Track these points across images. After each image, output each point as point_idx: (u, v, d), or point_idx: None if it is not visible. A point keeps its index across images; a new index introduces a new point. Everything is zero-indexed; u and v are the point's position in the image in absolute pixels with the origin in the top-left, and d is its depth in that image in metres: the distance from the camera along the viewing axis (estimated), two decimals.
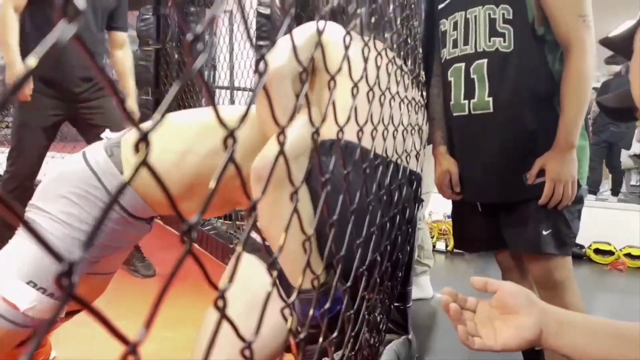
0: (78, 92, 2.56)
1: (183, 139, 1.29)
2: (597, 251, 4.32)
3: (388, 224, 1.09)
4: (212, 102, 0.36)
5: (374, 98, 0.82)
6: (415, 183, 1.48)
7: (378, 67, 0.87)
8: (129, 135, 1.31)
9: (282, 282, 0.77)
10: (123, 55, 2.76)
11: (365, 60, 0.75)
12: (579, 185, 1.52)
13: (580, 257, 4.27)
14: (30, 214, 1.22)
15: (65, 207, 1.22)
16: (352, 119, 0.70)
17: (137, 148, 0.26)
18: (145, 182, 1.23)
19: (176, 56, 4.21)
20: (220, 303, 0.35)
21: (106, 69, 2.52)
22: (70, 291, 0.22)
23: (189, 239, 0.31)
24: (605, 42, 0.97)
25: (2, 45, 2.38)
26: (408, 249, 1.62)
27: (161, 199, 1.28)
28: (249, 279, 1.05)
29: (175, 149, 1.28)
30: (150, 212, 1.33)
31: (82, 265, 1.10)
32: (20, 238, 1.20)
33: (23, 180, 2.53)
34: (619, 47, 0.87)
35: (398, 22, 1.26)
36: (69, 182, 1.25)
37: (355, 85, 0.67)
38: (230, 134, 0.35)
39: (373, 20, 0.88)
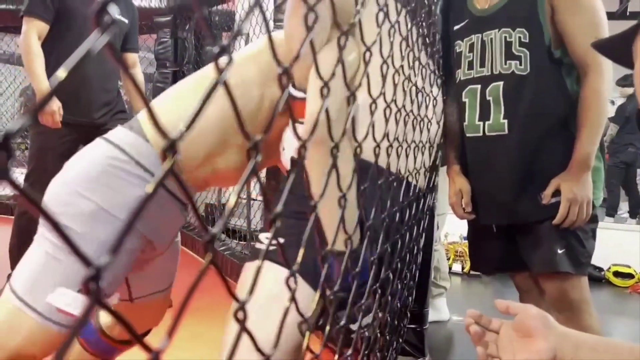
0: (97, 117, 2.61)
1: (199, 92, 1.24)
2: (617, 274, 4.25)
3: (399, 242, 1.09)
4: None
5: (391, 115, 0.83)
6: (425, 200, 1.48)
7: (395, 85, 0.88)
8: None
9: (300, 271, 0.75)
10: (134, 75, 2.83)
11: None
12: (594, 206, 1.51)
13: (599, 280, 4.20)
14: (49, 232, 1.14)
15: (95, 197, 1.12)
16: (369, 134, 0.71)
17: (164, 155, 0.26)
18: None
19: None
20: (240, 315, 0.35)
21: (120, 91, 2.58)
22: (97, 297, 0.22)
23: (211, 249, 0.31)
24: (597, 45, 0.97)
25: (29, 74, 2.45)
26: (423, 268, 1.62)
27: (196, 159, 1.20)
28: (262, 277, 1.03)
29: (190, 110, 1.22)
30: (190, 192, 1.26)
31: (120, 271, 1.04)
32: (54, 249, 1.13)
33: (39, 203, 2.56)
34: (610, 51, 0.88)
35: (416, 41, 1.27)
36: (91, 171, 1.16)
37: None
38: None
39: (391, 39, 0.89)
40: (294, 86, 1.05)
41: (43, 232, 1.16)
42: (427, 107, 1.28)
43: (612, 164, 6.12)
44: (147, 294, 1.42)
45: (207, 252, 0.31)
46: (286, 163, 1.15)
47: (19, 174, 3.68)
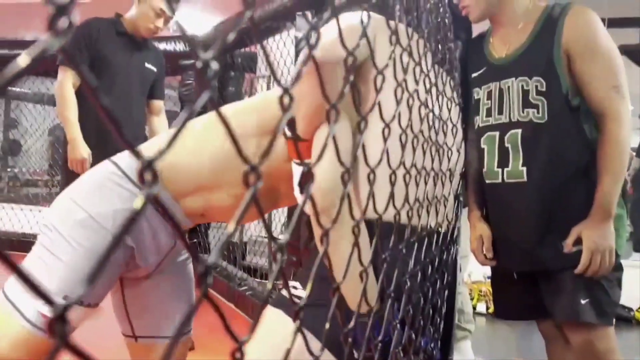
0: None
1: (195, 135, 1.29)
2: None
3: (422, 297, 1.09)
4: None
5: (411, 179, 0.84)
6: (451, 247, 1.47)
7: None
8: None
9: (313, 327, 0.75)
10: (159, 121, 2.94)
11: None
12: (617, 255, 1.50)
13: (628, 321, 4.08)
14: (44, 236, 1.21)
15: (87, 206, 1.19)
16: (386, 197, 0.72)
17: (141, 177, 0.27)
18: (171, 178, 1.23)
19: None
20: (237, 355, 0.36)
21: (147, 136, 2.64)
22: (63, 336, 0.22)
23: (204, 282, 0.32)
24: (627, 52, 0.98)
25: (63, 121, 2.55)
26: (447, 312, 1.60)
27: (187, 189, 1.24)
28: (273, 332, 1.03)
29: (188, 144, 1.26)
30: (183, 221, 1.29)
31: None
32: (44, 252, 1.19)
33: None
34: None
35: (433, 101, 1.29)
36: (89, 184, 1.25)
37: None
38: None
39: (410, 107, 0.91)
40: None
41: (39, 237, 1.23)
42: (445, 134, 1.28)
43: (638, 197, 6.00)
44: (153, 335, 1.39)
45: (201, 284, 0.32)
46: (298, 198, 1.17)
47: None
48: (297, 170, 1.14)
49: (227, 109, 1.38)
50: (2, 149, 7.65)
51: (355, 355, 0.62)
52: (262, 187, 0.36)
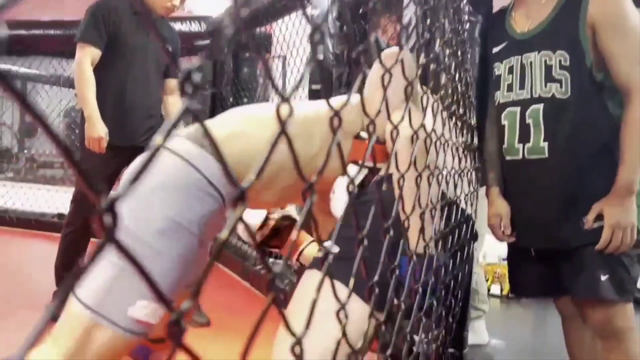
0: (140, 140, 2.69)
1: (265, 126, 1.27)
2: None
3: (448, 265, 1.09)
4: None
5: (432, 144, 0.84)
6: (470, 223, 1.47)
7: (435, 115, 0.89)
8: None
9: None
10: (173, 100, 2.93)
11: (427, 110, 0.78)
12: (638, 231, 1.48)
13: None
14: (138, 233, 1.16)
15: (171, 212, 1.16)
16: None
17: (234, 204, 0.28)
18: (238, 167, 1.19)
19: (231, 99, 4.36)
20: (297, 350, 0.36)
21: (163, 115, 2.65)
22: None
23: (274, 289, 0.33)
24: None
25: (80, 100, 2.55)
26: (464, 291, 1.60)
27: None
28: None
29: (260, 136, 1.26)
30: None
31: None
32: (116, 259, 1.17)
33: (85, 223, 2.65)
34: None
35: (453, 68, 1.28)
36: (166, 186, 1.19)
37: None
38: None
39: (432, 67, 0.91)
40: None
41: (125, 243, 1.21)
42: (469, 135, 1.29)
43: None
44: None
45: (270, 290, 0.33)
46: (335, 209, 1.22)
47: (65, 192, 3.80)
48: (352, 171, 1.15)
49: (300, 112, 1.34)
50: (19, 131, 7.72)
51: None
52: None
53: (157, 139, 0.26)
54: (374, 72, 1.17)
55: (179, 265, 1.17)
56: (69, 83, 6.01)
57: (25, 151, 7.83)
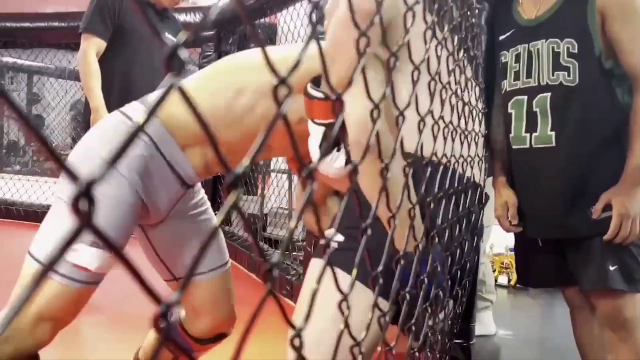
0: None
1: (233, 81, 1.30)
2: None
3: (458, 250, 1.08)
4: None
5: (439, 131, 0.83)
6: (478, 191, 1.42)
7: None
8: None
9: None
10: None
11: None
12: None
13: None
14: (60, 199, 1.24)
15: (103, 154, 1.19)
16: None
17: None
18: (179, 125, 1.26)
19: None
20: (296, 342, 0.35)
21: None
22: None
23: (270, 278, 0.32)
24: None
25: (86, 90, 2.54)
26: (470, 279, 1.59)
27: (188, 139, 1.27)
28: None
29: (226, 92, 1.29)
30: (189, 171, 1.31)
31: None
32: (63, 203, 1.23)
33: None
34: None
35: (461, 54, 1.26)
36: (103, 134, 1.29)
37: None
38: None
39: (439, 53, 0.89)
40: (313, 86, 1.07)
41: (56, 193, 1.26)
42: (473, 120, 1.26)
43: None
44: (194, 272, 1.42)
45: (267, 281, 0.31)
46: (312, 152, 1.14)
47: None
48: (316, 131, 1.11)
49: (243, 59, 1.38)
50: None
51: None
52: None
53: (139, 117, 0.24)
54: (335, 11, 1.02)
55: (112, 208, 1.18)
56: (74, 75, 6.02)
57: (32, 144, 7.85)
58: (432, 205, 0.75)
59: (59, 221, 1.19)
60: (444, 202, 0.91)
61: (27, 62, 6.67)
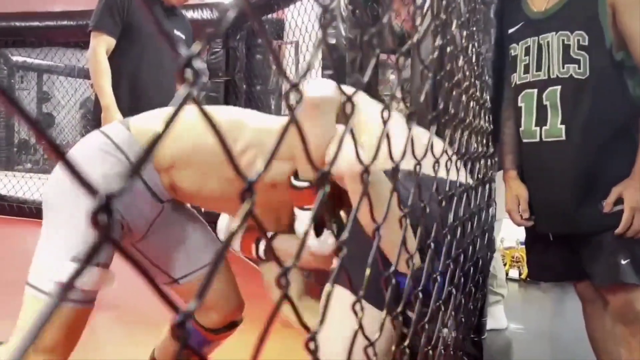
0: None
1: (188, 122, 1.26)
2: None
3: (463, 255, 1.07)
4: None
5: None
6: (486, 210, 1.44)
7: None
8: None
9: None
10: None
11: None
12: None
13: None
14: (45, 213, 1.25)
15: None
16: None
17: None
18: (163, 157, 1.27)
19: (244, 87, 4.34)
20: (311, 346, 0.36)
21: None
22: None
23: (285, 283, 0.32)
24: None
25: (97, 88, 2.55)
26: (482, 275, 1.58)
27: (164, 160, 1.28)
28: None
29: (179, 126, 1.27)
30: (162, 189, 1.32)
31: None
32: (47, 227, 1.24)
33: None
34: None
35: (470, 50, 1.26)
36: (82, 153, 1.28)
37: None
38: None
39: (448, 50, 0.89)
40: (296, 177, 1.19)
41: (45, 215, 1.25)
42: (481, 116, 1.26)
43: None
44: (190, 271, 1.43)
45: (281, 286, 0.32)
46: (298, 233, 1.27)
47: None
48: (303, 215, 1.21)
49: (238, 118, 1.38)
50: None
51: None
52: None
53: (158, 126, 0.25)
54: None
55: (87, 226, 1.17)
56: (84, 74, 6.04)
57: (43, 142, 7.89)
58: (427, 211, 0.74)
59: (61, 239, 1.19)
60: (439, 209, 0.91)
61: (37, 60, 6.70)
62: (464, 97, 0.94)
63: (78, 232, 1.17)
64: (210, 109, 1.39)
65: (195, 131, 1.24)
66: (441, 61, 0.82)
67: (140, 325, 2.32)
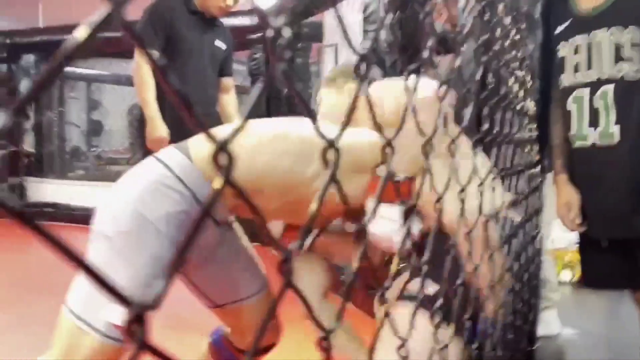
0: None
1: (259, 136, 1.25)
2: None
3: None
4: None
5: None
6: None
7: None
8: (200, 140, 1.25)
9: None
10: (228, 99, 2.93)
11: None
12: None
13: None
14: (98, 243, 1.19)
15: (145, 211, 1.17)
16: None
17: (216, 159, 0.25)
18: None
19: (285, 91, 4.36)
20: (325, 344, 0.34)
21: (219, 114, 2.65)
22: (142, 340, 0.21)
23: (287, 269, 0.30)
24: None
25: (141, 102, 2.60)
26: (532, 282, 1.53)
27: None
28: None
29: (247, 143, 1.23)
30: (224, 211, 1.28)
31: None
32: (98, 257, 1.18)
33: None
34: None
35: (513, 53, 1.21)
36: (144, 189, 1.21)
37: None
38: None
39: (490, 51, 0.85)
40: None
41: (95, 245, 1.20)
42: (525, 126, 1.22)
43: None
44: (235, 300, 1.42)
45: (281, 273, 0.30)
46: (374, 236, 1.18)
47: None
48: (383, 212, 1.12)
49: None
50: (87, 129, 8.06)
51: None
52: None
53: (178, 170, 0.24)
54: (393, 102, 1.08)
55: (150, 266, 1.15)
56: (131, 82, 6.19)
57: (93, 149, 8.15)
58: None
59: (115, 276, 1.17)
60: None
61: (86, 70, 6.92)
62: (508, 114, 0.90)
63: (139, 274, 1.14)
64: (276, 123, 1.35)
65: (266, 156, 1.22)
66: (483, 80, 0.80)
67: (184, 331, 2.35)
